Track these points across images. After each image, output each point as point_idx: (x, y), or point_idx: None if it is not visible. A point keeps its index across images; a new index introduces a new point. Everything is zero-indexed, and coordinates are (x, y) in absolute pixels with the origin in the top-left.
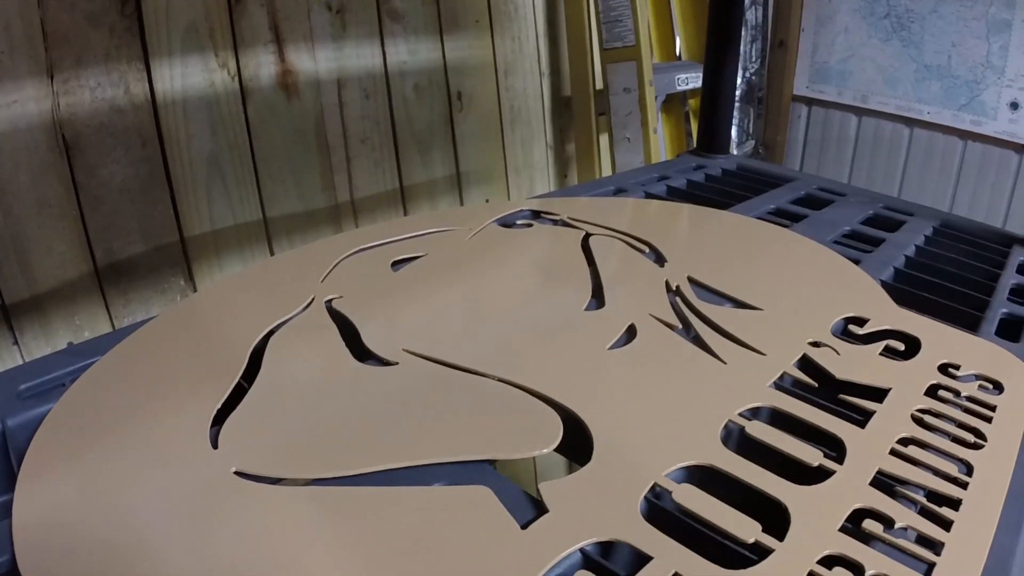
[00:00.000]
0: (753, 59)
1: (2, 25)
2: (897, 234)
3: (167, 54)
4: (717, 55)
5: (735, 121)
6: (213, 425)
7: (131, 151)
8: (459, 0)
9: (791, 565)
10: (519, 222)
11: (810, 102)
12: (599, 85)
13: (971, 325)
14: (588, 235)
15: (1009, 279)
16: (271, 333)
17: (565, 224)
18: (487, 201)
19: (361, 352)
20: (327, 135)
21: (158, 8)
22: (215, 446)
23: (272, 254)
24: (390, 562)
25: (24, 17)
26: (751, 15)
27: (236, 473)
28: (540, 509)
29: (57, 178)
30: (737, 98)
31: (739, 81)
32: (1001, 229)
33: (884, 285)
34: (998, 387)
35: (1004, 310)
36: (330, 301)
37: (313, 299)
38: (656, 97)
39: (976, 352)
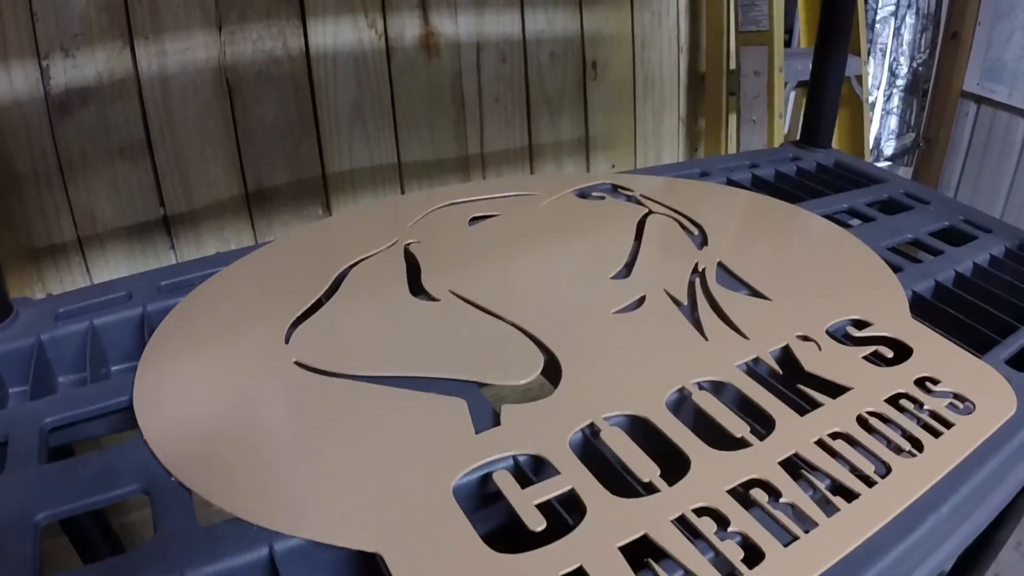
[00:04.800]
0: (922, 49)
1: None
2: (960, 248)
3: (322, 14)
4: (827, 43)
5: (897, 112)
6: (292, 327)
7: (284, 95)
8: None
9: (668, 504)
10: (595, 194)
11: (979, 100)
12: (733, 65)
13: (985, 348)
14: (649, 212)
15: None
16: (355, 264)
17: (635, 201)
18: (613, 167)
19: (417, 288)
20: (463, 92)
21: None
22: (287, 342)
23: (403, 194)
24: (369, 442)
25: None
26: (923, 3)
27: (296, 363)
28: (496, 423)
29: (219, 113)
30: (901, 88)
31: (904, 71)
32: None
33: (915, 296)
34: (971, 407)
35: None
36: (409, 245)
37: (396, 241)
38: (787, 83)
39: (966, 372)
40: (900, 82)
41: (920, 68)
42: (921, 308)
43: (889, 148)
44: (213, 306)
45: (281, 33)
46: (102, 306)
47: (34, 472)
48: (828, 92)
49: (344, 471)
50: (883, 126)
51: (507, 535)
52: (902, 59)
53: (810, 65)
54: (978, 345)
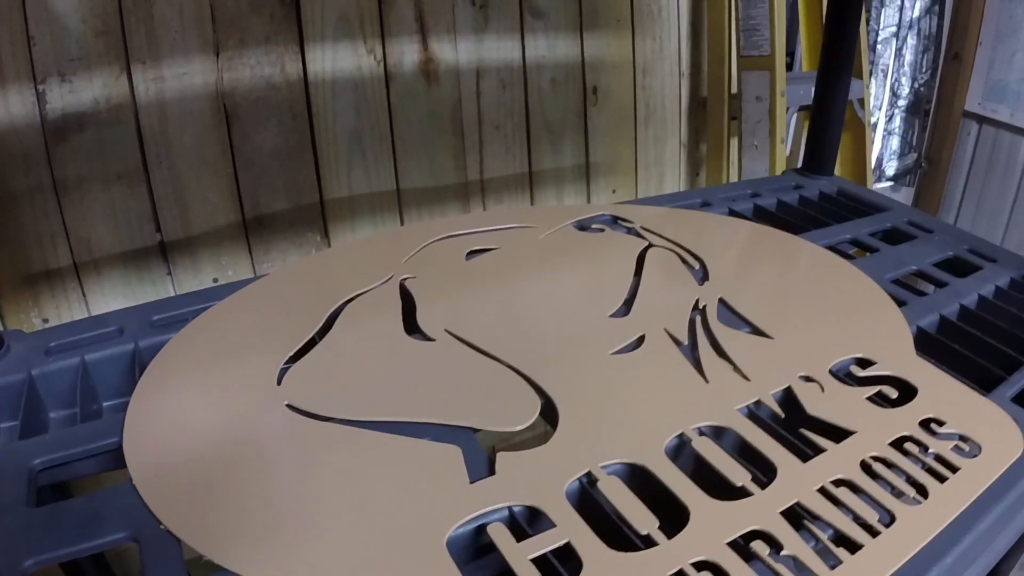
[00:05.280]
0: (923, 69)
1: (176, 9)
2: (965, 280)
3: (320, 40)
4: (830, 71)
5: (898, 132)
6: (285, 366)
7: (283, 122)
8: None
9: (667, 559)
10: (594, 226)
11: (981, 120)
12: (735, 89)
13: (991, 385)
14: (650, 245)
15: None
16: (350, 300)
17: (636, 233)
18: (613, 192)
19: (412, 327)
20: (462, 120)
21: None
22: (279, 383)
23: (402, 222)
24: (362, 491)
25: (196, 2)
26: (925, 24)
27: (287, 406)
28: (491, 472)
29: (216, 140)
30: (903, 109)
31: (906, 91)
32: None
33: (920, 332)
34: (976, 450)
35: None
36: (404, 280)
37: (392, 277)
38: (789, 107)
39: (972, 411)
40: (902, 102)
41: (922, 88)
42: (926, 344)
43: (891, 169)
44: (205, 344)
45: (279, 59)
46: (93, 341)
47: (22, 517)
48: (831, 119)
49: (336, 522)
50: (885, 147)
51: None
52: (904, 80)
53: (812, 89)
54: (984, 381)
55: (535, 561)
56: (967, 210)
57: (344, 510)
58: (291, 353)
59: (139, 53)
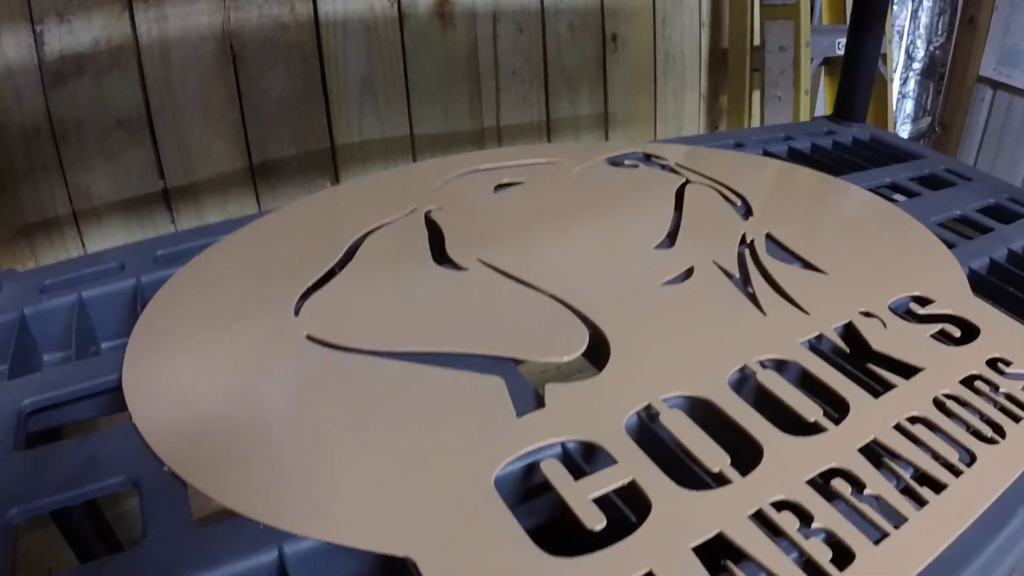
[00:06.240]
0: (939, 32)
1: None
2: (1010, 226)
3: None
4: (863, 17)
5: (912, 96)
6: (302, 299)
7: (291, 65)
8: None
9: (743, 498)
10: (627, 163)
11: (996, 85)
12: (757, 40)
13: None
14: (687, 182)
15: None
16: (370, 233)
17: (671, 170)
18: (632, 142)
19: (442, 257)
20: (478, 65)
21: None
22: (297, 314)
23: None
24: (395, 426)
25: None
26: None
27: (308, 337)
28: (540, 405)
29: (222, 84)
30: (918, 72)
31: (921, 54)
32: None
33: (972, 273)
34: None
35: None
36: (429, 212)
37: (416, 208)
38: (813, 59)
39: None
40: (917, 65)
41: (937, 52)
42: (979, 285)
43: (904, 132)
44: (213, 277)
45: None
46: (91, 277)
47: (8, 461)
48: (863, 65)
49: (367, 461)
50: (899, 110)
51: (551, 532)
52: (919, 42)
53: (836, 41)
54: None
55: (596, 502)
56: None
57: (376, 448)
58: (309, 284)
59: None
